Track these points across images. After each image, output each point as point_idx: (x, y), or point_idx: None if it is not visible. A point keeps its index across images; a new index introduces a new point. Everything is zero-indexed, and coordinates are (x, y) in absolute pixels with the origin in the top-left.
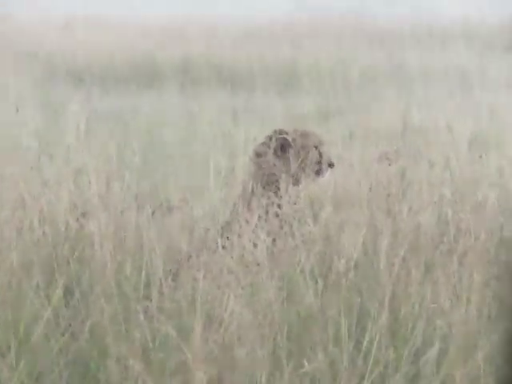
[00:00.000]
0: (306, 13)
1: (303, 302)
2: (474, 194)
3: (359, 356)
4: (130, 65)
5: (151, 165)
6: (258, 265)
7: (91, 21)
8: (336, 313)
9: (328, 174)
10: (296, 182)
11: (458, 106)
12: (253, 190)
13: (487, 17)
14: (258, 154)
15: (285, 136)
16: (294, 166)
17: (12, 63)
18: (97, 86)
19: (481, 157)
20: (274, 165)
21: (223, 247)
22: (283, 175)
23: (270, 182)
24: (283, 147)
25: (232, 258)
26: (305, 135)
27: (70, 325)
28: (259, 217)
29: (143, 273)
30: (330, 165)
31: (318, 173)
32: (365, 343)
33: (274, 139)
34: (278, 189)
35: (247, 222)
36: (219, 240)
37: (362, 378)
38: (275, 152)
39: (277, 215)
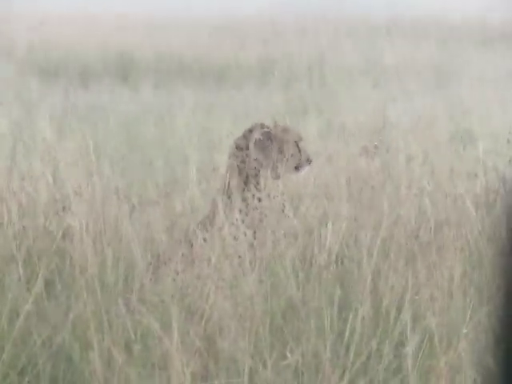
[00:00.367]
0: (281, 8)
1: (285, 294)
2: (454, 187)
3: (342, 347)
4: (105, 61)
5: (129, 160)
6: (240, 257)
7: (66, 18)
8: (318, 305)
9: (306, 170)
10: (276, 176)
11: (435, 100)
12: (233, 184)
13: (463, 11)
14: (238, 147)
15: (268, 130)
16: (274, 159)
17: None
18: (72, 83)
19: (459, 150)
20: (255, 158)
21: (204, 240)
22: (263, 169)
23: (250, 176)
24: (265, 141)
25: (212, 251)
26: (285, 130)
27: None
28: (239, 210)
29: (123, 265)
30: (309, 161)
31: (297, 168)
32: (347, 335)
33: (254, 133)
34: (258, 182)
35: (227, 215)
36: (199, 232)
37: (345, 369)
38: (256, 145)
39: (257, 208)
